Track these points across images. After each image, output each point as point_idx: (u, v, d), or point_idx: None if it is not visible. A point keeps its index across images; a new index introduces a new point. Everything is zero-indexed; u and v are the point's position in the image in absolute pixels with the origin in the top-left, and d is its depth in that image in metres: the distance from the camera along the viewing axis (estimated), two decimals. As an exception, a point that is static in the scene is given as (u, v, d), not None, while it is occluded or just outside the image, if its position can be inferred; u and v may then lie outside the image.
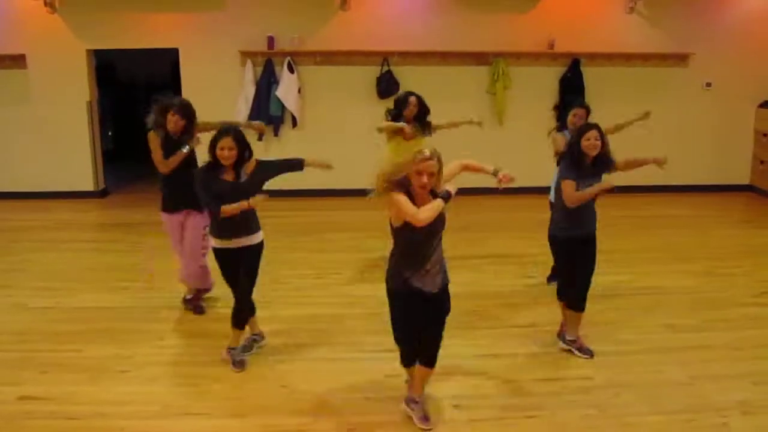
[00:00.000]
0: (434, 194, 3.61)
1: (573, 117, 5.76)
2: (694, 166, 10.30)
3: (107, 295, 5.92)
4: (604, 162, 4.61)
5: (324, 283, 6.27)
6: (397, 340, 3.92)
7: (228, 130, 4.30)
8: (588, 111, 5.83)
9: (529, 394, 4.25)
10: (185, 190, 4.79)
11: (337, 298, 5.88)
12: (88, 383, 4.35)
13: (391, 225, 3.69)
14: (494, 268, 6.55)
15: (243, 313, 4.60)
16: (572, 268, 4.75)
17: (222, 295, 5.28)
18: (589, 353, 4.76)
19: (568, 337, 4.86)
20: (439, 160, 3.55)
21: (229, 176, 4.34)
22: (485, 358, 4.71)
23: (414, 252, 3.66)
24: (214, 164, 4.30)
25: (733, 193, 10.24)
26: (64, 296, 5.89)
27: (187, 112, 5.12)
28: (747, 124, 10.30)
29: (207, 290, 5.60)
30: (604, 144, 4.57)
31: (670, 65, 9.96)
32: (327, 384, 4.29)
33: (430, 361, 3.86)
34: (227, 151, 4.23)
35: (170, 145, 5.13)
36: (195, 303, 5.55)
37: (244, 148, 4.31)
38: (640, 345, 4.94)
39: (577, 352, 4.78)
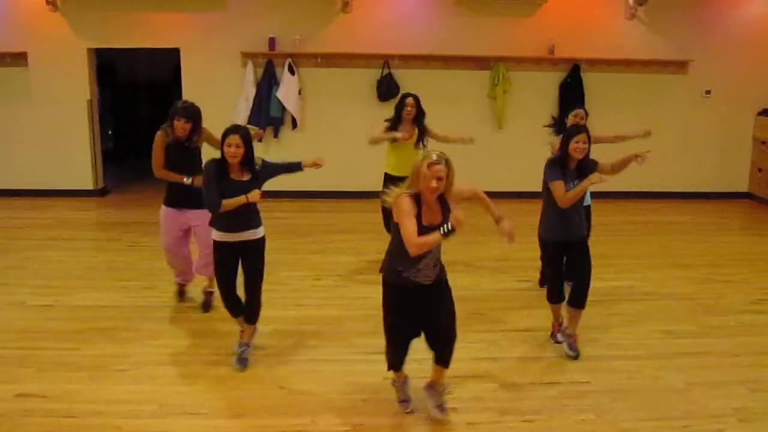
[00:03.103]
0: (443, 202, 3.67)
1: (574, 118, 5.82)
2: (693, 174, 10.35)
3: (106, 294, 5.92)
4: (586, 166, 4.68)
5: (323, 285, 6.28)
6: (388, 337, 3.92)
7: (237, 128, 4.37)
8: (586, 113, 5.93)
9: (526, 398, 4.25)
10: (190, 189, 4.82)
11: (335, 299, 5.89)
12: (87, 382, 4.35)
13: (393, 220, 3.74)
14: (492, 272, 6.56)
15: (230, 302, 4.63)
16: (558, 270, 4.86)
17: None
18: (575, 353, 4.82)
19: (567, 331, 4.93)
20: (448, 164, 3.59)
21: (236, 175, 4.38)
22: (483, 361, 4.71)
23: (407, 252, 3.65)
24: (223, 161, 4.34)
25: (731, 200, 10.26)
26: (63, 294, 5.89)
27: (191, 113, 5.13)
28: (746, 131, 10.33)
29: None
30: (589, 148, 4.67)
31: (670, 72, 9.99)
32: (325, 385, 4.30)
33: (442, 360, 3.91)
34: (234, 148, 4.27)
35: (177, 150, 5.17)
36: (209, 299, 5.60)
37: (249, 149, 4.36)
38: (638, 350, 4.95)
39: (566, 348, 4.86)
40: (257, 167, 4.44)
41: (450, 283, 3.89)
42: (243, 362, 4.58)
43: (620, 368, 4.66)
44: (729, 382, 4.49)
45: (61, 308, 5.60)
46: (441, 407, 3.95)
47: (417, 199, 3.62)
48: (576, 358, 4.79)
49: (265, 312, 4.97)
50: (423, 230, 3.60)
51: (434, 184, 3.53)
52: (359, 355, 4.75)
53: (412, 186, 3.65)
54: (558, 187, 4.64)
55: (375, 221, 6.84)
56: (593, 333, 5.13)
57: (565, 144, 4.66)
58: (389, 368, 4.04)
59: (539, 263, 6.10)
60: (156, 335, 5.10)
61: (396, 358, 3.98)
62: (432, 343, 3.89)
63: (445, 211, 3.70)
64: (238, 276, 4.61)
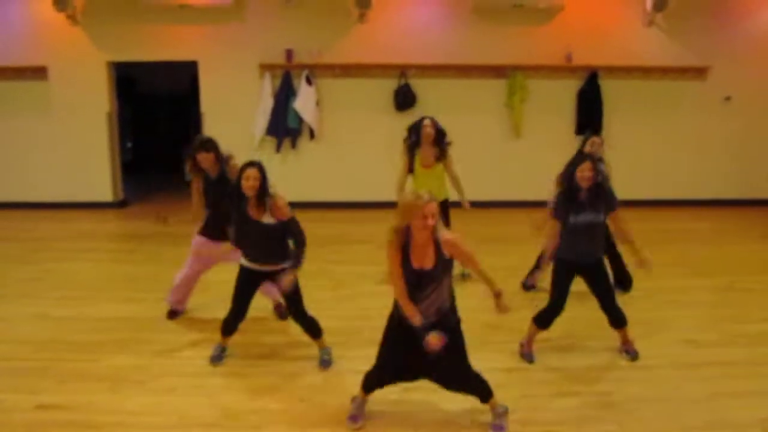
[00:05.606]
0: (437, 245, 3.69)
1: (591, 147, 5.81)
2: (713, 180, 10.26)
3: (126, 305, 5.95)
4: (599, 196, 4.63)
5: (342, 295, 6.27)
6: (378, 361, 3.98)
7: (254, 162, 4.48)
8: (602, 141, 6.04)
9: (547, 409, 4.21)
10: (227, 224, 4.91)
11: (354, 310, 5.87)
12: (106, 393, 4.36)
13: None
14: (506, 281, 6.48)
15: (230, 324, 4.75)
16: (562, 295, 4.76)
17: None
18: (632, 355, 4.90)
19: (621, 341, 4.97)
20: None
21: (253, 211, 4.48)
22: (503, 372, 4.67)
23: (408, 290, 3.76)
24: (239, 193, 4.43)
25: (753, 207, 10.13)
26: (83, 306, 5.92)
27: (208, 145, 5.20)
28: (766, 137, 10.20)
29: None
30: (598, 176, 4.61)
31: (689, 79, 9.91)
32: (345, 397, 4.26)
33: (476, 396, 4.00)
34: (252, 181, 4.38)
35: (213, 187, 5.24)
36: (281, 309, 5.66)
37: (265, 182, 4.46)
38: (660, 360, 4.88)
39: (625, 355, 4.92)
40: (286, 219, 4.57)
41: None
42: (326, 364, 4.81)
43: (642, 378, 4.61)
44: (753, 391, 4.42)
45: (80, 320, 5.63)
46: (496, 426, 3.94)
47: (404, 240, 3.72)
48: (635, 359, 4.86)
49: (283, 323, 4.97)
50: (413, 273, 3.70)
51: (430, 221, 3.55)
52: (378, 366, 4.72)
53: (400, 224, 3.68)
54: (552, 226, 4.71)
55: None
56: (615, 342, 5.06)
57: (569, 173, 4.62)
58: (364, 389, 4.03)
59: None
60: (175, 347, 5.11)
61: (376, 384, 4.01)
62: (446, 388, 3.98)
63: (439, 255, 3.69)
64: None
